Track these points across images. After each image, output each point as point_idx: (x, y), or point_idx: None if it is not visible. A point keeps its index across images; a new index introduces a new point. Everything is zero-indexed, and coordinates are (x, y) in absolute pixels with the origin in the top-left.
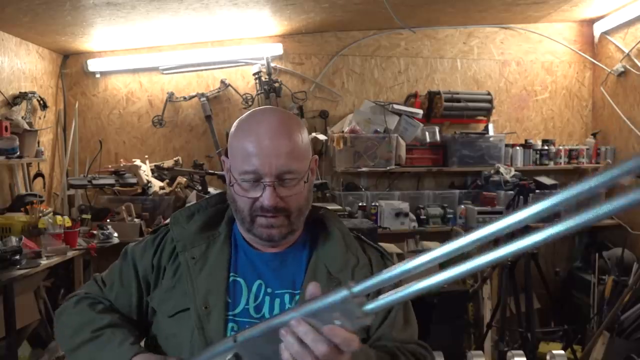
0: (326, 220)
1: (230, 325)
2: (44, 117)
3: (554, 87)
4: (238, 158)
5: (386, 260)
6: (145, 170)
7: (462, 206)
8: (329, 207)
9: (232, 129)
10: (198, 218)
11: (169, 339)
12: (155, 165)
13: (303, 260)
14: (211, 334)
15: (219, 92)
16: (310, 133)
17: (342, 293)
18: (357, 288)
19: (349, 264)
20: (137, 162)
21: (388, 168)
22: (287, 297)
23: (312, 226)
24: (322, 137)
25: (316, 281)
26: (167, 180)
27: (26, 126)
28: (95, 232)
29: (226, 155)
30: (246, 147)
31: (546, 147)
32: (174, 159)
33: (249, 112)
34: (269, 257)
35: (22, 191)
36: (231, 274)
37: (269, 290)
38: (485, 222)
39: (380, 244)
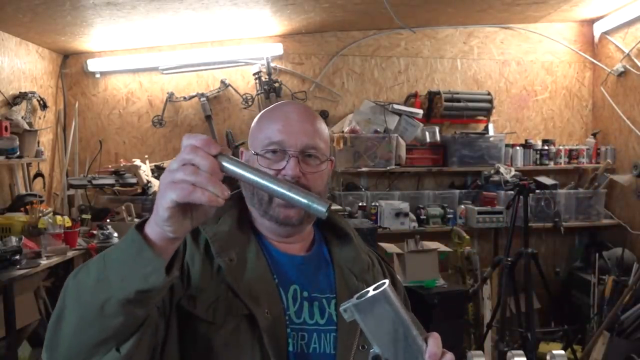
0: (336, 221)
1: (287, 330)
2: (44, 117)
3: (554, 87)
4: (262, 137)
5: (383, 265)
6: (145, 170)
7: (462, 206)
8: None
9: (255, 121)
10: (227, 219)
11: (220, 349)
12: (155, 165)
13: (328, 262)
14: (275, 341)
15: (219, 92)
16: None
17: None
18: None
19: (368, 265)
20: (137, 162)
21: (388, 168)
22: (324, 301)
23: (320, 226)
24: None
25: (347, 284)
26: None
27: (26, 126)
28: (95, 232)
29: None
30: (273, 126)
31: (546, 147)
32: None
33: (270, 106)
34: (299, 261)
35: (22, 191)
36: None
37: (305, 294)
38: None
39: (380, 244)
